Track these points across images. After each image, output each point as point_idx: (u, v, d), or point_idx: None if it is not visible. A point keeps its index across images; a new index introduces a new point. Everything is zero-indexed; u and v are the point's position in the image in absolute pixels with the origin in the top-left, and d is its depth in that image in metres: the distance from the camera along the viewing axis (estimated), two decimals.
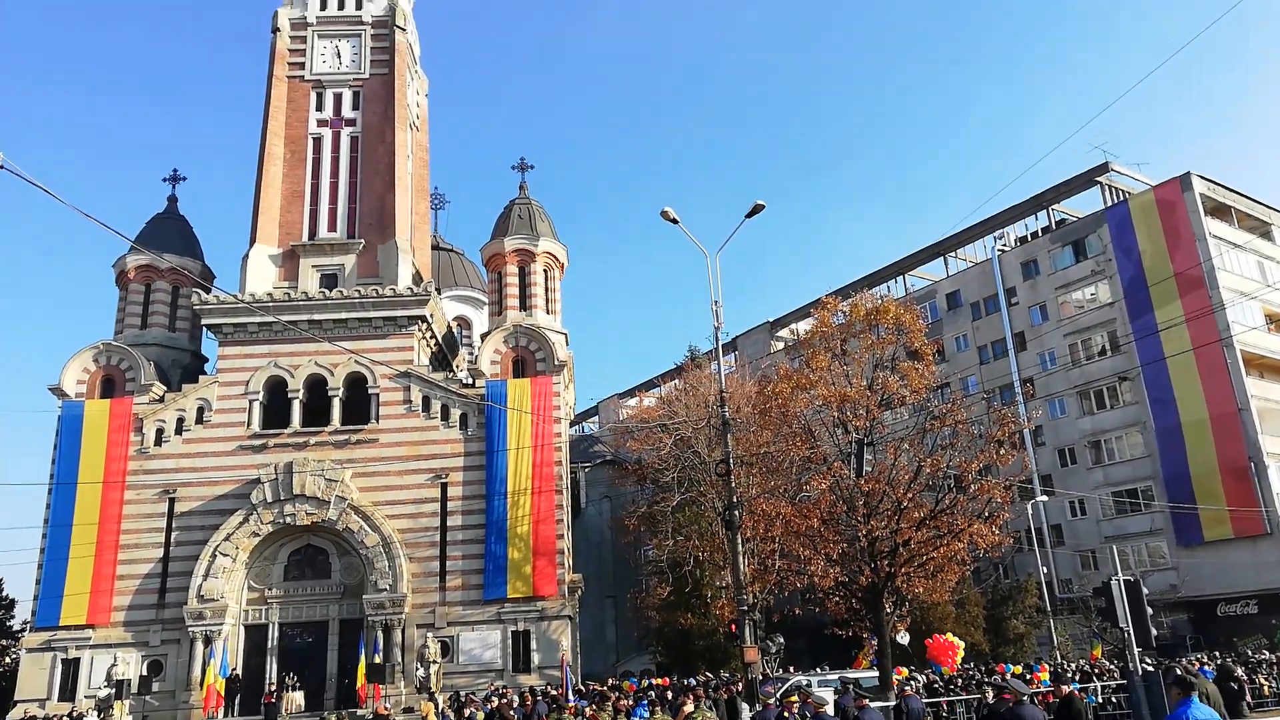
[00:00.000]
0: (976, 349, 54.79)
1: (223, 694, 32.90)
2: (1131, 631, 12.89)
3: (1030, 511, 42.41)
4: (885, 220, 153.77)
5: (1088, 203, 55.13)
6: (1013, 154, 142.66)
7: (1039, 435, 49.85)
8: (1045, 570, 42.20)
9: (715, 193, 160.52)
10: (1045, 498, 45.92)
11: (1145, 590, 13.80)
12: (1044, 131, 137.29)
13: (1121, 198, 51.74)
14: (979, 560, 34.59)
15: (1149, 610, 13.75)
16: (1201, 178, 47.87)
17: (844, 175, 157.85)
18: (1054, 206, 55.13)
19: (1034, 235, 55.73)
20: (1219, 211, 48.91)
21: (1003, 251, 55.61)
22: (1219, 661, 28.74)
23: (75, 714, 30.37)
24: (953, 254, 60.43)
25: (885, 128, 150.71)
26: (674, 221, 25.40)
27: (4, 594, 48.85)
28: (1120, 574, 13.56)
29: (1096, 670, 28.83)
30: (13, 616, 48.27)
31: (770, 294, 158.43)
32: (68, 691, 34.58)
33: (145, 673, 34.86)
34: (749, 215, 25.34)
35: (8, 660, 47.18)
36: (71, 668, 35.05)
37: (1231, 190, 49.80)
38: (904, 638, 31.22)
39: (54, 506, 36.48)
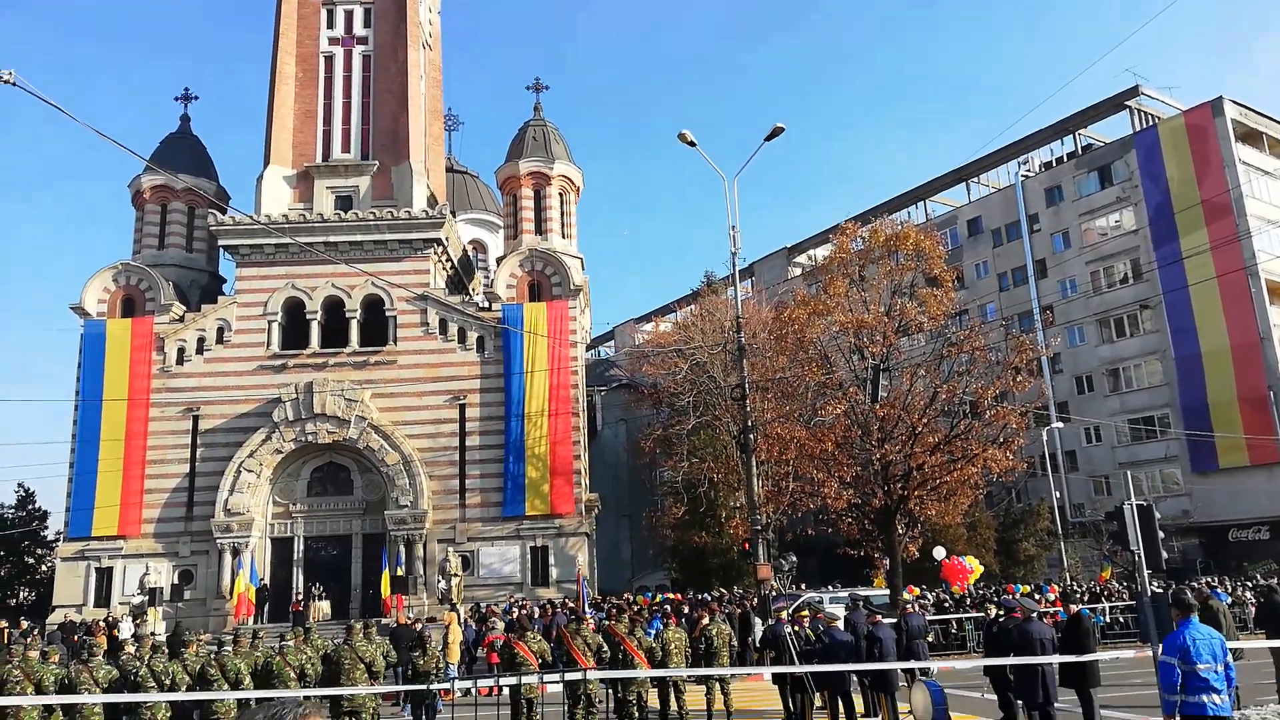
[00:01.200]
0: (996, 276, 54.29)
1: (253, 602, 34.12)
2: (1142, 554, 13.04)
3: (1045, 437, 42.57)
4: (907, 146, 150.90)
5: (1115, 128, 53.87)
6: (1040, 78, 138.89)
7: (1057, 362, 49.72)
8: (1058, 495, 42.58)
9: (734, 116, 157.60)
10: (1061, 424, 46.02)
11: (1158, 515, 13.91)
12: (1072, 55, 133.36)
13: (1150, 123, 50.49)
14: (992, 484, 34.95)
15: (1160, 534, 13.90)
16: (1234, 103, 46.56)
17: (865, 99, 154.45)
18: (1081, 132, 53.89)
19: (1059, 161, 54.63)
20: (1250, 138, 47.71)
21: (1027, 177, 54.63)
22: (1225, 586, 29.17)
23: (110, 619, 31.49)
24: (975, 179, 59.40)
25: (908, 50, 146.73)
26: (691, 144, 25.04)
27: (37, 506, 50.24)
28: (1133, 499, 13.64)
29: (1105, 592, 29.34)
30: (46, 527, 49.75)
31: (788, 220, 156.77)
32: (103, 598, 35.90)
33: (176, 581, 36.13)
34: (768, 138, 24.95)
35: (44, 568, 48.77)
36: (105, 576, 36.31)
37: (1264, 115, 48.47)
38: (939, 552, 31.68)
39: (81, 423, 37.28)
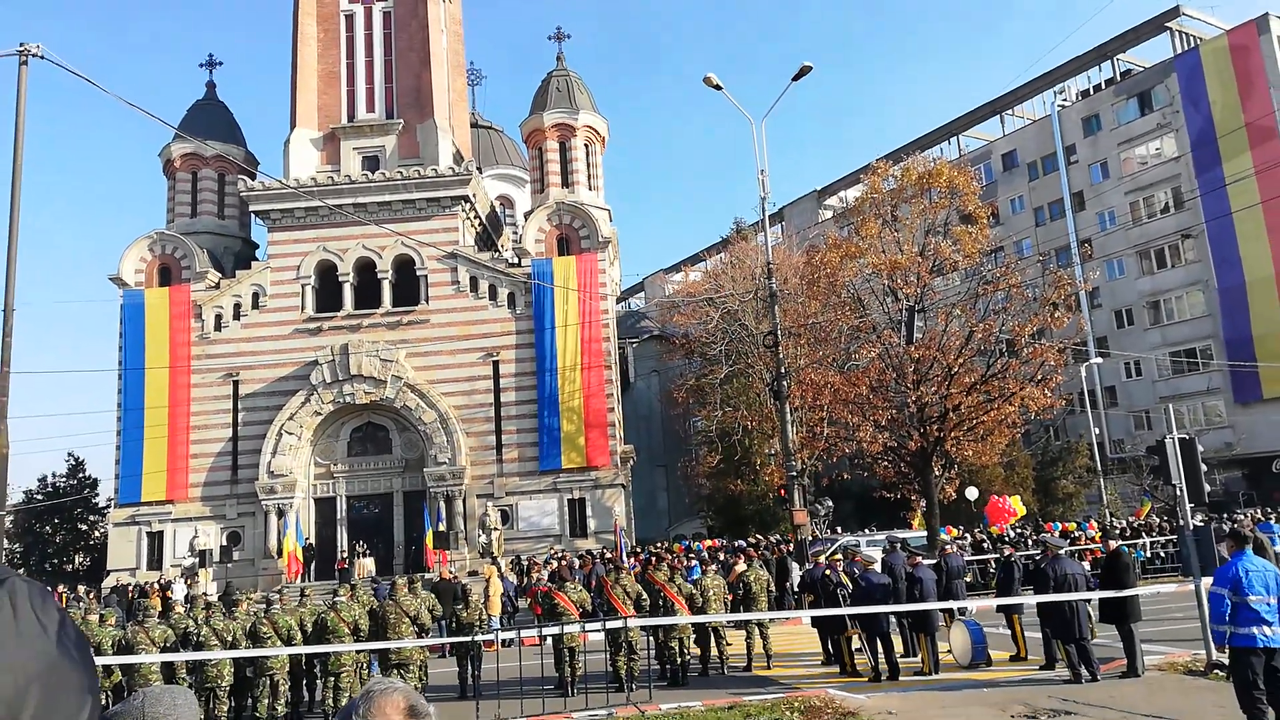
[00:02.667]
0: (1032, 210, 53.18)
1: (301, 561, 35.00)
2: (1184, 487, 12.89)
3: (1084, 373, 41.97)
4: (939, 80, 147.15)
5: (1155, 51, 52.00)
6: (1075, 2, 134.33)
7: (1095, 297, 48.80)
8: (1097, 431, 42.06)
9: (760, 58, 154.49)
10: (1100, 359, 45.32)
11: (1200, 448, 13.69)
12: None
13: (1192, 45, 48.69)
14: (1030, 423, 34.62)
15: (1203, 467, 13.70)
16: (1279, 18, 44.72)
17: (893, 34, 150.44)
18: (1119, 57, 52.13)
19: (1097, 89, 53.01)
20: None
21: (1063, 107, 53.12)
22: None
23: (163, 581, 32.54)
24: (1009, 112, 57.88)
25: None
26: (717, 88, 24.63)
27: (87, 474, 51.70)
28: (1175, 432, 13.44)
29: (1145, 527, 29.11)
30: (96, 494, 51.21)
31: (818, 162, 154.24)
32: (155, 561, 37.03)
33: (225, 543, 37.12)
34: (795, 78, 24.45)
35: (97, 534, 50.32)
36: (156, 540, 37.40)
37: None
38: (972, 493, 31.63)
39: (125, 391, 38.12)
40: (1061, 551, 12.95)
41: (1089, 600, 12.42)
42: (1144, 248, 48.02)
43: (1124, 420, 48.45)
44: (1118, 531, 26.28)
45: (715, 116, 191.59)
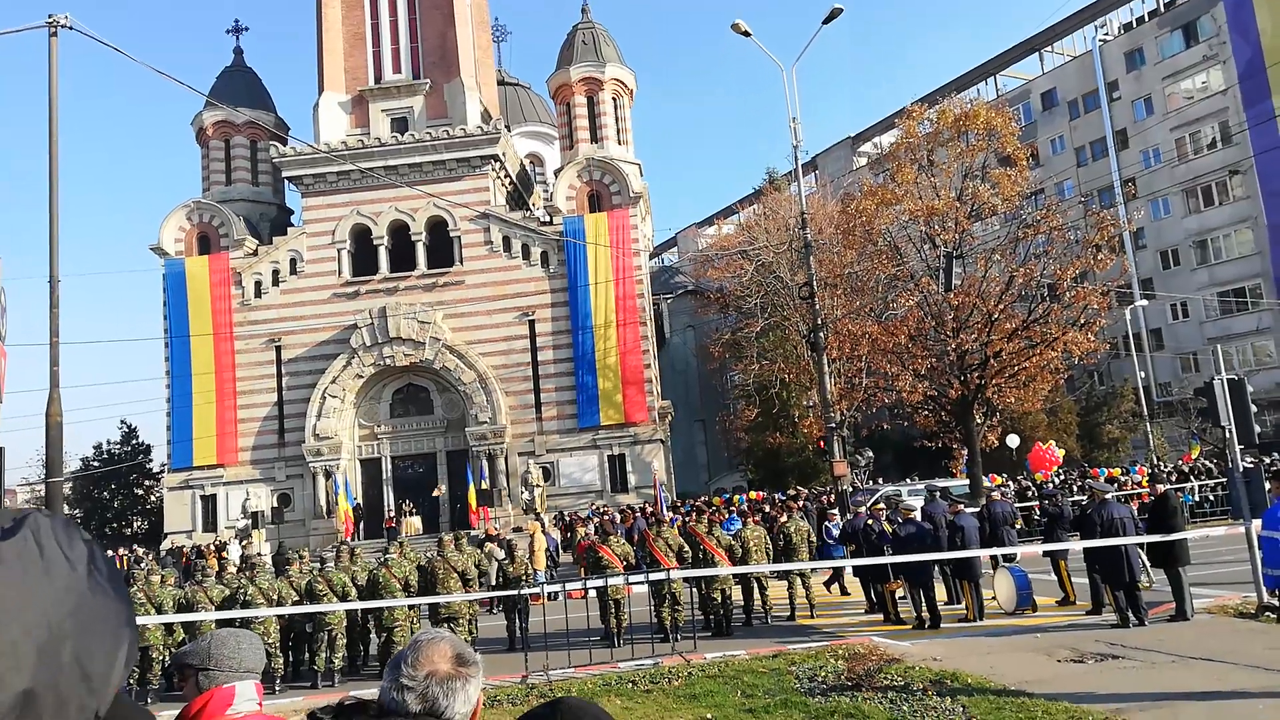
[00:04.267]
0: (1074, 150, 51.83)
1: (351, 520, 35.79)
2: (1233, 429, 12.67)
3: (1129, 316, 41.16)
4: (974, 19, 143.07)
5: None
6: None
7: (1140, 237, 47.66)
8: (1143, 375, 41.38)
9: (789, 2, 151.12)
10: (1145, 302, 44.40)
11: (1250, 389, 13.43)
12: None
13: None
14: (1073, 368, 34.13)
15: (1253, 408, 13.45)
16: None
17: None
18: None
19: (1139, 21, 51.22)
20: None
21: (1104, 42, 51.45)
22: None
23: (219, 543, 33.48)
24: (1048, 49, 56.19)
25: None
26: (746, 34, 24.20)
27: (140, 440, 53.08)
28: (1224, 374, 13.19)
29: (1193, 470, 28.73)
30: (150, 460, 52.61)
31: (851, 108, 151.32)
32: (209, 523, 38.09)
33: (275, 504, 38.07)
34: (826, 21, 23.93)
35: (152, 498, 51.79)
36: (210, 503, 38.44)
37: None
38: (1013, 441, 31.34)
39: (172, 359, 38.94)
40: (1108, 496, 12.83)
41: (1140, 544, 12.31)
42: (1190, 185, 46.68)
43: (1170, 363, 47.56)
44: (1166, 476, 25.97)
45: (745, 64, 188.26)
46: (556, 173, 43.48)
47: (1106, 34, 52.36)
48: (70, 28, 13.89)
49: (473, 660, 1.82)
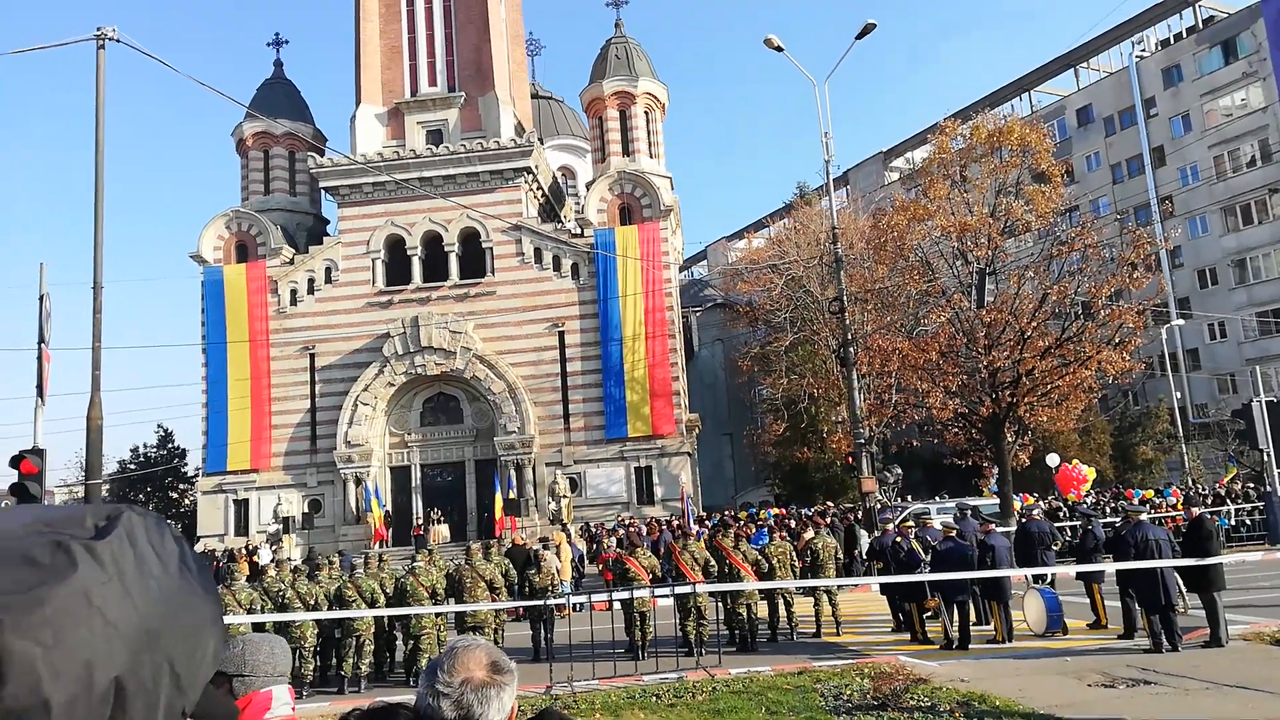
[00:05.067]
0: (1109, 167, 51.28)
1: (381, 527, 36.08)
2: (1272, 452, 12.49)
3: (1165, 336, 40.57)
4: (1009, 34, 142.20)
5: None
6: None
7: (1177, 256, 47.01)
8: (1179, 395, 40.73)
9: (822, 17, 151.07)
10: (1182, 321, 43.75)
11: None
12: None
13: None
14: (1107, 387, 33.68)
15: None
16: None
17: None
18: (1201, 3, 49.66)
19: (1178, 37, 50.66)
20: None
21: (1141, 58, 50.92)
22: None
23: (250, 546, 33.86)
24: (1084, 65, 55.71)
25: None
26: (778, 49, 24.29)
27: (176, 444, 53.92)
28: (1263, 395, 13.00)
29: (1230, 494, 28.20)
30: (185, 464, 53.40)
31: (883, 123, 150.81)
32: (241, 527, 38.57)
33: (306, 510, 38.47)
34: (859, 36, 23.97)
35: (186, 502, 52.54)
36: (242, 507, 38.94)
37: None
38: (1053, 460, 30.84)
39: (209, 365, 39.57)
40: (1143, 517, 12.66)
41: (1176, 568, 12.12)
42: (1229, 204, 46.00)
43: (1207, 384, 46.78)
44: (1201, 499, 25.53)
45: (777, 79, 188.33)
46: (588, 185, 43.73)
47: (1143, 50, 51.85)
48: (118, 40, 14.29)
49: (508, 668, 1.87)
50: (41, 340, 14.77)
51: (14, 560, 0.66)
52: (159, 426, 53.79)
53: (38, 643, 0.64)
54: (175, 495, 54.46)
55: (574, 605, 16.01)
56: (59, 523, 0.71)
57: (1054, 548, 16.34)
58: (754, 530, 20.92)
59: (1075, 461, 31.17)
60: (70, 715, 0.66)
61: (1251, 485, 29.68)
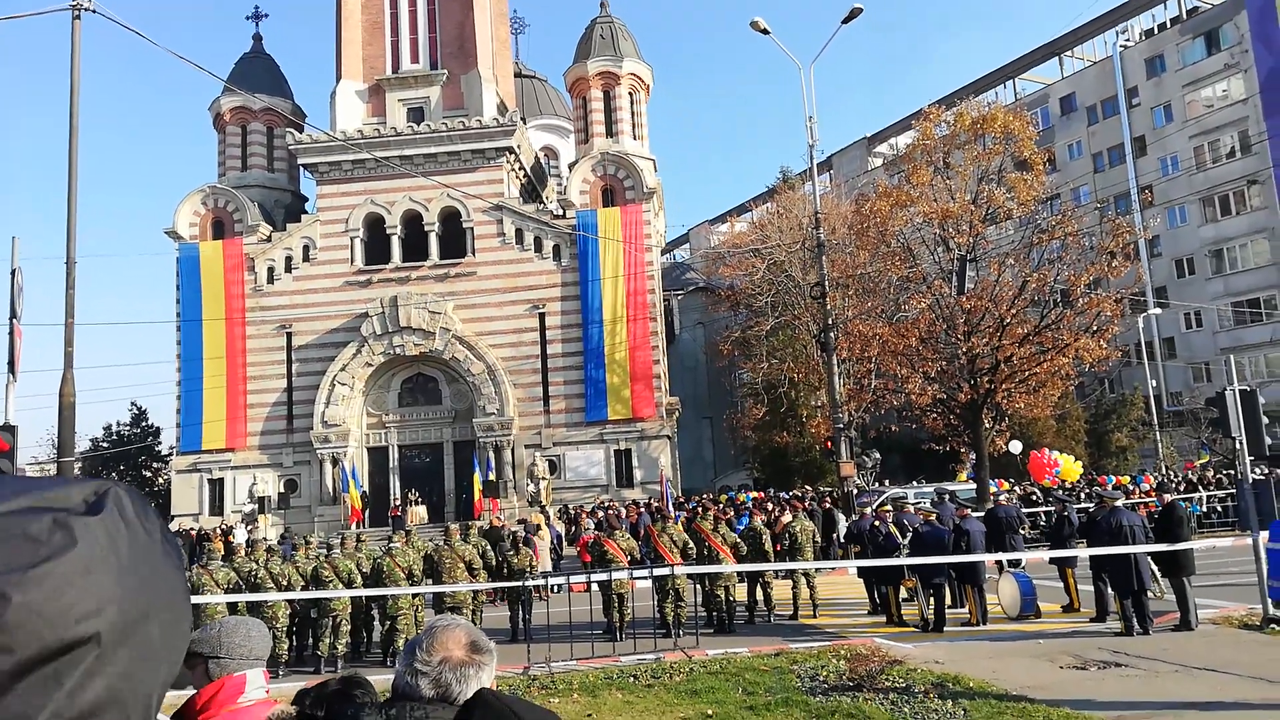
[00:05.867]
0: (1091, 156, 51.57)
1: (359, 508, 35.92)
2: (1244, 440, 12.62)
3: (1141, 324, 40.96)
4: (994, 21, 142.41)
5: None
6: None
7: (1155, 245, 47.43)
8: (1154, 383, 41.17)
9: (808, 1, 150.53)
10: (1158, 310, 44.19)
11: (1262, 400, 13.37)
12: None
13: None
14: (1084, 375, 33.99)
15: (1264, 420, 13.39)
16: None
17: None
18: None
19: (1161, 28, 50.91)
20: None
21: (1125, 47, 51.14)
22: None
23: (225, 526, 33.65)
24: (1068, 53, 55.88)
25: None
26: (764, 32, 24.17)
27: (150, 423, 53.38)
28: (1236, 384, 13.13)
29: (1201, 480, 28.59)
30: (159, 443, 52.87)
31: (868, 108, 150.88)
32: (216, 507, 38.29)
33: (282, 490, 38.23)
34: (845, 20, 23.90)
35: (160, 481, 52.08)
36: (217, 486, 38.64)
37: None
38: (1015, 447, 31.24)
39: (183, 342, 39.13)
40: (1118, 503, 12.79)
41: (1149, 553, 12.27)
42: (1207, 194, 46.42)
43: (1182, 372, 47.33)
44: (1174, 485, 25.85)
45: (762, 62, 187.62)
46: (571, 166, 43.49)
47: (1128, 40, 52.08)
48: (94, 11, 13.99)
49: (487, 648, 1.84)
50: (13, 315, 14.52)
51: (15, 537, 0.67)
52: (132, 404, 53.20)
53: (43, 617, 0.65)
54: (149, 474, 53.91)
55: (553, 587, 16.01)
56: (51, 498, 0.71)
57: (1021, 532, 16.51)
58: (736, 514, 20.99)
59: (1067, 461, 31.42)
60: (76, 692, 0.67)
61: (1225, 473, 30.11)
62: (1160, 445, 38.80)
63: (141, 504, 0.76)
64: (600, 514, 25.48)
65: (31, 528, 0.67)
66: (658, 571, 13.60)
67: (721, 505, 23.92)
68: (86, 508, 0.70)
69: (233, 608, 13.37)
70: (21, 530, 0.66)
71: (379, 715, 1.79)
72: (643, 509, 25.95)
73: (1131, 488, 27.18)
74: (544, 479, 35.87)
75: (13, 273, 14.75)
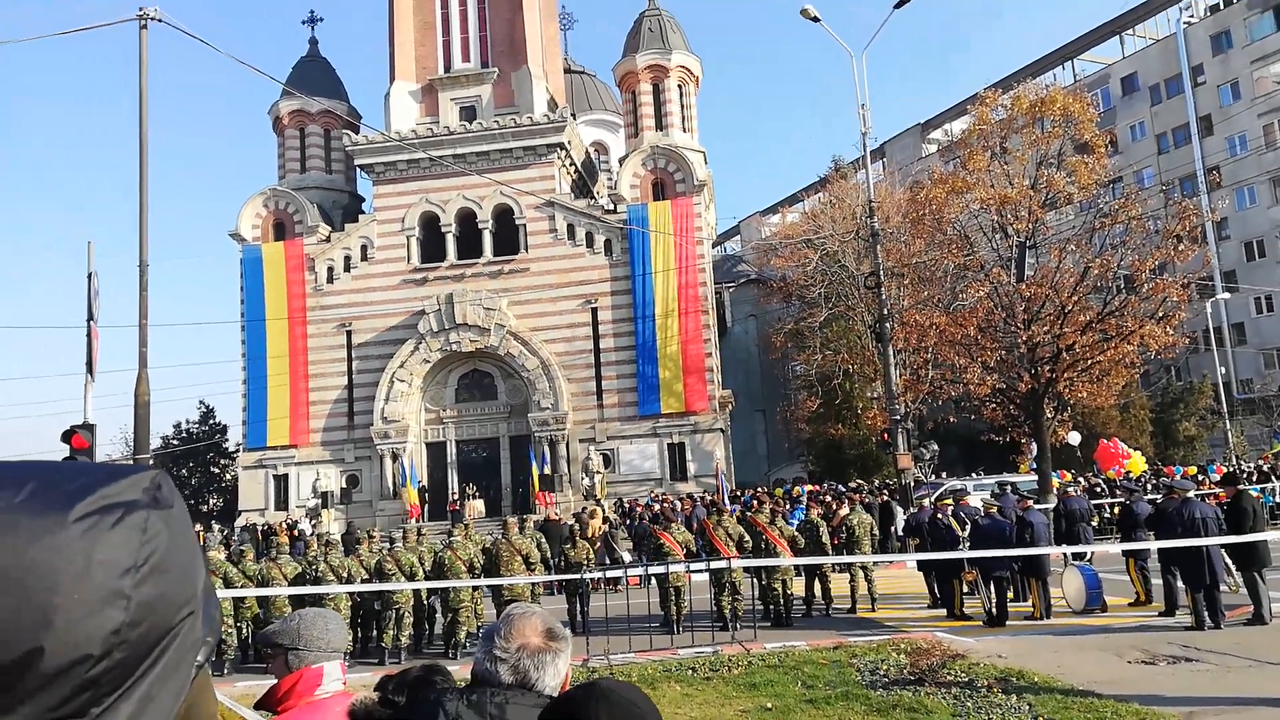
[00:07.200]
0: (1155, 137, 50.10)
1: (416, 503, 36.53)
2: None
3: (1210, 310, 39.74)
4: (1051, 0, 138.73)
5: None
6: None
7: (1223, 228, 45.92)
8: (1223, 370, 39.92)
9: None
10: (1227, 295, 42.79)
11: None
12: None
13: None
14: (1149, 362, 33.10)
15: None
16: None
17: None
18: None
19: (1226, 3, 49.17)
20: None
21: (1189, 24, 49.53)
22: None
23: (290, 520, 34.51)
24: (1130, 32, 54.32)
25: None
26: (815, 19, 23.97)
27: (217, 420, 54.97)
28: None
29: (1274, 470, 27.66)
30: (226, 440, 54.40)
31: (921, 94, 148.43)
32: (281, 502, 39.28)
33: (345, 485, 39.09)
34: (897, 6, 23.56)
35: (228, 477, 53.59)
36: (282, 482, 39.63)
37: None
38: (1074, 439, 30.58)
39: (248, 342, 40.17)
40: (1190, 494, 12.46)
41: (1222, 545, 11.94)
42: (1278, 174, 44.78)
43: (1253, 359, 45.79)
44: (1244, 475, 25.05)
45: (813, 50, 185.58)
46: (621, 160, 43.56)
47: (1191, 16, 50.46)
48: (160, 20, 14.45)
49: (563, 635, 1.91)
50: (90, 318, 15.09)
51: (108, 536, 0.69)
52: (201, 403, 54.86)
53: (156, 611, 0.71)
54: (216, 470, 55.52)
55: (608, 580, 16.14)
56: (117, 492, 0.74)
57: (1090, 523, 16.22)
58: (791, 507, 20.93)
59: (1137, 456, 30.65)
60: (175, 670, 0.72)
61: None
62: (1230, 434, 37.61)
63: (171, 483, 0.82)
64: (657, 505, 25.59)
65: (122, 526, 0.70)
66: (714, 564, 13.62)
67: (777, 498, 23.86)
68: (154, 500, 0.75)
69: (297, 599, 13.76)
70: (114, 528, 0.70)
71: (460, 700, 1.87)
72: (697, 502, 25.98)
73: (1202, 479, 26.42)
74: (599, 473, 36.10)
75: (89, 277, 15.32)
